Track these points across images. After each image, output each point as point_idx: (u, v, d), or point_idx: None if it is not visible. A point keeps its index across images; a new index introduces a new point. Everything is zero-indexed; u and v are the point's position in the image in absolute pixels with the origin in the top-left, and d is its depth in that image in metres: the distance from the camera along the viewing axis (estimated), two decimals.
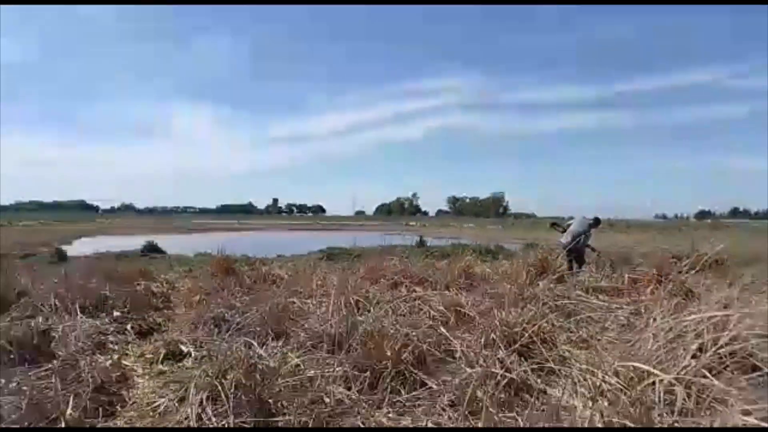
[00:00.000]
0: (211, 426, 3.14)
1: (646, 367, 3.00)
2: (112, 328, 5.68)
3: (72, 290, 6.57)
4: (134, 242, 20.11)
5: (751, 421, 2.86)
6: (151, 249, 18.02)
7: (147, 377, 4.33)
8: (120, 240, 24.93)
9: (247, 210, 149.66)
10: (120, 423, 3.45)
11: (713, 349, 3.52)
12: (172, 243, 21.53)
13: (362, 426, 3.02)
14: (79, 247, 18.12)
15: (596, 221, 10.44)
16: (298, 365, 4.17)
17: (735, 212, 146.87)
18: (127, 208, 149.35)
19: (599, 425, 2.52)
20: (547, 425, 2.37)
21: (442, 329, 4.95)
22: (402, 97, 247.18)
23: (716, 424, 2.91)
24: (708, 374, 3.42)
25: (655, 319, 3.99)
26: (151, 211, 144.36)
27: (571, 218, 10.75)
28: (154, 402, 3.61)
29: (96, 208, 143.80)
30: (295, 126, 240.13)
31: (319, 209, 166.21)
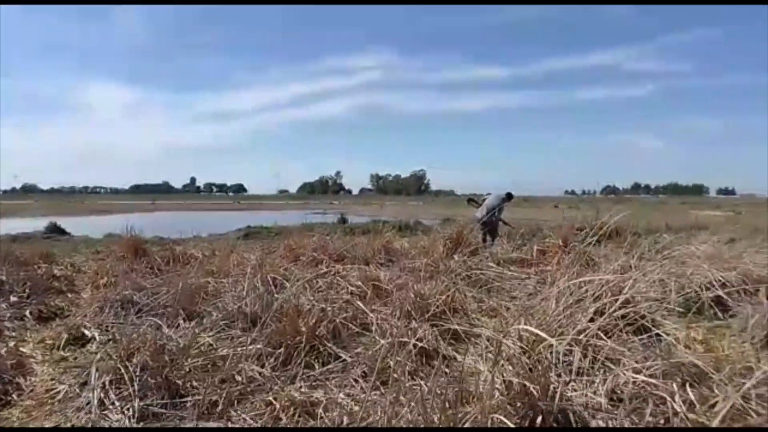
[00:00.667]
0: (114, 410, 3.03)
1: (541, 333, 3.16)
2: (8, 314, 5.32)
3: None
4: (37, 224, 18.78)
5: (640, 378, 3.10)
6: (55, 230, 16.87)
7: (46, 364, 4.08)
8: (21, 222, 23.19)
9: (162, 190, 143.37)
10: (16, 412, 3.24)
11: (609, 311, 3.77)
12: (78, 224, 20.28)
13: (272, 401, 3.00)
14: None
15: (509, 196, 10.86)
16: (210, 345, 4.09)
17: (637, 188, 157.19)
18: (30, 189, 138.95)
19: (499, 387, 2.65)
20: (453, 389, 2.45)
21: (359, 303, 4.99)
22: (324, 75, 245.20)
23: (608, 381, 3.14)
24: (603, 336, 3.68)
25: (557, 287, 4.21)
26: (57, 192, 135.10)
27: (488, 194, 11.11)
28: (54, 389, 3.42)
29: None
30: (215, 104, 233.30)
31: (240, 188, 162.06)
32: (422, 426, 2.29)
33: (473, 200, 11.31)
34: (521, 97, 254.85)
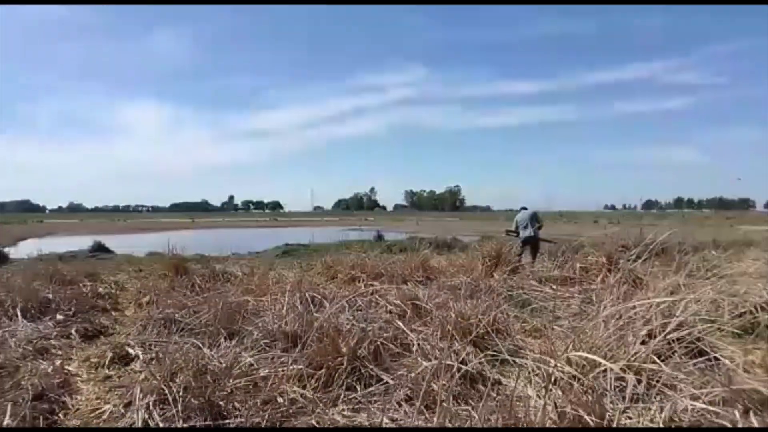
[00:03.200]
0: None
1: (594, 357, 3.04)
2: (55, 332, 5.43)
3: (12, 293, 6.25)
4: (83, 242, 19.36)
5: (699, 405, 2.94)
6: (99, 249, 17.37)
7: (91, 383, 4.13)
8: (68, 240, 23.95)
9: (201, 207, 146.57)
10: None
11: (662, 335, 3.61)
12: (121, 243, 20.85)
13: (316, 426, 2.95)
14: (24, 249, 17.27)
15: (534, 215, 10.69)
16: (251, 365, 4.07)
17: (680, 202, 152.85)
18: (76, 208, 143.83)
19: (552, 415, 2.54)
20: (501, 416, 2.36)
21: (399, 323, 4.92)
22: (359, 92, 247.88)
23: (666, 409, 2.99)
24: (657, 360, 3.51)
25: (605, 307, 4.07)
26: (100, 211, 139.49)
27: (523, 208, 10.91)
28: (99, 408, 3.45)
29: (42, 209, 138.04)
30: (251, 122, 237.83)
31: (277, 205, 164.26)
32: None
33: (510, 231, 11.12)
34: (557, 111, 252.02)
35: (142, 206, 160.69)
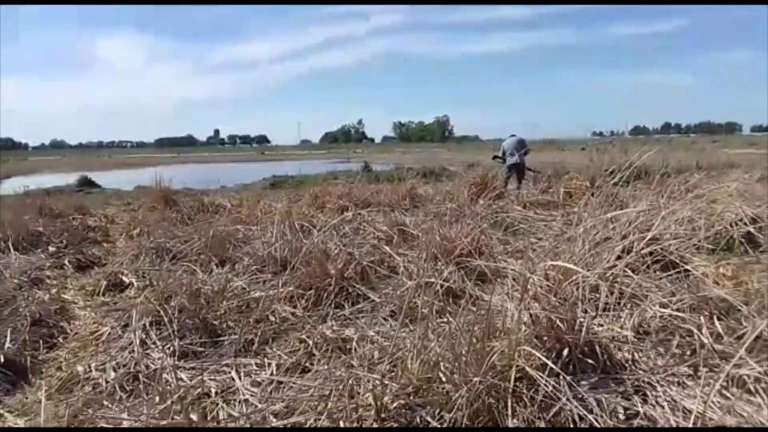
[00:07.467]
0: (156, 347, 3.18)
1: (569, 266, 3.19)
2: (48, 264, 5.54)
3: (3, 227, 6.30)
4: (68, 179, 19.19)
5: (667, 312, 3.12)
6: (86, 183, 17.23)
7: (88, 309, 4.28)
8: (54, 177, 23.69)
9: (187, 143, 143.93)
10: (63, 353, 3.43)
11: (637, 249, 3.75)
12: (107, 178, 20.69)
13: (305, 338, 3.12)
14: (9, 186, 17.11)
15: (522, 142, 10.70)
16: (243, 288, 4.21)
17: (667, 127, 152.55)
18: (59, 145, 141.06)
19: (526, 321, 2.70)
20: (480, 327, 2.51)
21: (386, 247, 5.06)
22: (345, 18, 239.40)
23: (635, 316, 3.17)
24: (630, 272, 3.68)
25: (585, 225, 4.20)
26: (84, 147, 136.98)
27: (512, 136, 10.92)
28: (97, 331, 3.59)
29: (25, 146, 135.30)
30: (233, 53, 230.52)
31: (264, 139, 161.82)
32: (450, 357, 2.36)
33: (497, 157, 11.14)
34: (545, 36, 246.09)
35: (127, 142, 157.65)
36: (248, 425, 2.31)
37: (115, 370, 2.96)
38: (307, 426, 2.21)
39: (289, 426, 2.24)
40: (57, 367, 3.23)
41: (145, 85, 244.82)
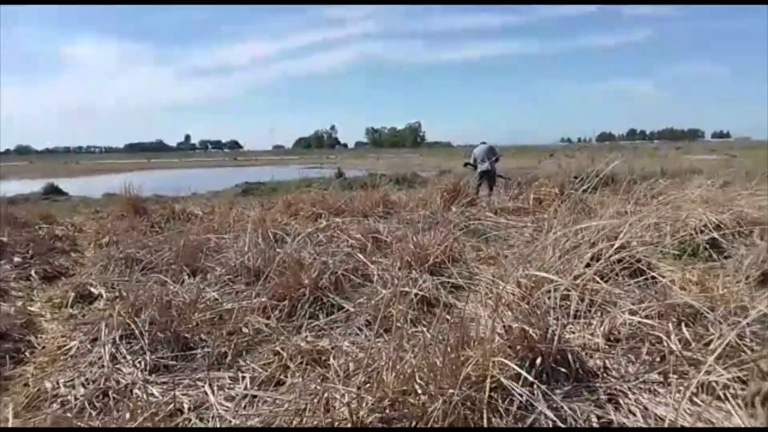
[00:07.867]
0: (126, 362, 3.12)
1: (542, 274, 3.24)
2: (13, 275, 5.38)
3: None
4: (34, 186, 18.70)
5: (636, 319, 3.19)
6: (53, 191, 16.81)
7: (56, 322, 4.16)
8: (18, 184, 23.05)
9: (156, 148, 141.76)
10: (30, 369, 3.33)
11: (605, 256, 3.83)
12: (75, 185, 20.22)
13: (279, 350, 3.10)
14: None
15: (492, 149, 10.86)
16: (215, 299, 4.17)
17: (632, 134, 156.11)
18: (25, 151, 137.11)
19: (499, 331, 2.73)
20: (454, 335, 2.53)
21: (360, 255, 5.06)
22: (319, 26, 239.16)
23: (605, 323, 3.23)
24: (599, 280, 3.76)
25: (555, 234, 4.27)
26: (51, 153, 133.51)
27: (482, 143, 11.04)
28: (65, 345, 3.51)
29: None
30: (206, 58, 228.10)
31: (235, 145, 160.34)
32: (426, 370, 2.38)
33: (468, 163, 11.27)
34: (518, 46, 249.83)
35: (95, 147, 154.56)
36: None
37: (84, 386, 2.89)
38: None
39: None
40: (24, 384, 3.13)
41: (114, 89, 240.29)
